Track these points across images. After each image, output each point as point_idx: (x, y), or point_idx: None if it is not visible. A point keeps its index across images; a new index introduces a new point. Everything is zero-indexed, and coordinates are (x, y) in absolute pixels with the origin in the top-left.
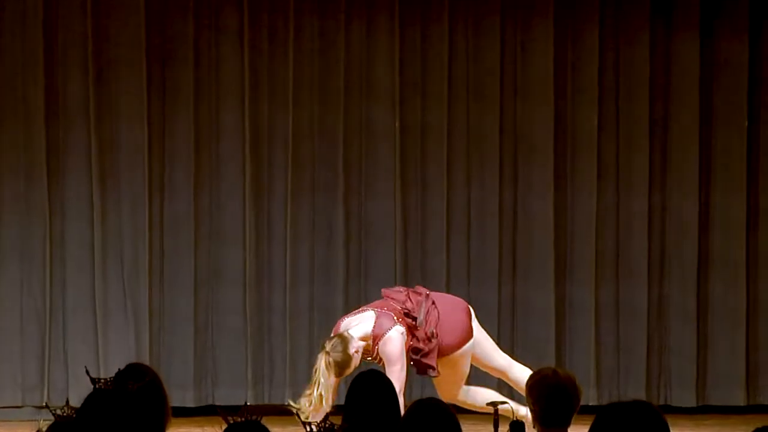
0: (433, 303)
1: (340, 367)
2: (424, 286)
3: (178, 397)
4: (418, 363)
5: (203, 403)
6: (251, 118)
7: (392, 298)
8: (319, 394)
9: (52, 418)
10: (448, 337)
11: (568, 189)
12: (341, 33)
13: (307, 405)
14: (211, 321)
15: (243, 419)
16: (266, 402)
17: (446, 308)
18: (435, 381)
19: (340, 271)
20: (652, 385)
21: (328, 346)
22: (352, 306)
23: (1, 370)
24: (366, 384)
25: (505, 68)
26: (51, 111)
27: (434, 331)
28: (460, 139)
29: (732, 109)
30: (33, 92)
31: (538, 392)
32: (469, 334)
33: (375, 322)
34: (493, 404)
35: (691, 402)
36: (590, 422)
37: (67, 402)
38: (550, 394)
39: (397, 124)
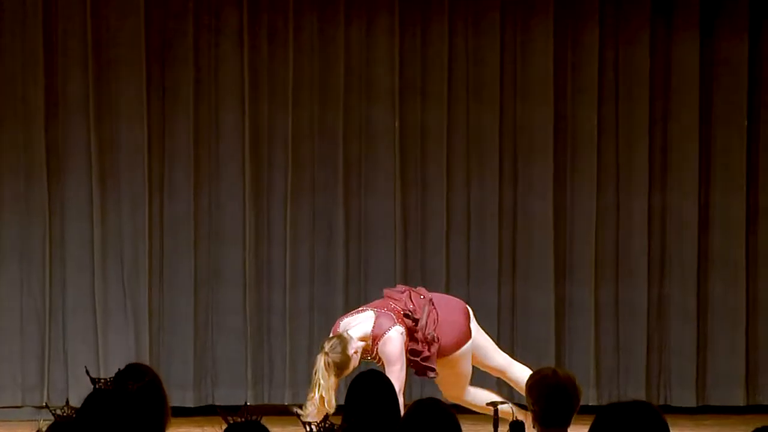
0: (433, 305)
1: (339, 368)
2: (424, 286)
3: (178, 397)
4: (417, 365)
5: (203, 403)
6: (251, 118)
7: (393, 299)
8: (320, 396)
9: (52, 418)
10: (446, 339)
11: (568, 189)
12: (341, 33)
13: (312, 409)
14: (211, 321)
15: (243, 419)
16: (266, 402)
17: (445, 309)
18: (438, 382)
19: (340, 271)
20: (651, 385)
21: (326, 347)
22: (352, 306)
23: (1, 370)
24: (366, 384)
25: (505, 68)
26: (51, 111)
27: (434, 334)
28: (460, 139)
29: (732, 109)
30: (33, 92)
31: (538, 392)
32: (467, 336)
33: (374, 322)
34: (493, 404)
35: (690, 402)
36: (590, 422)
37: (67, 402)
38: (550, 394)
39: (396, 124)
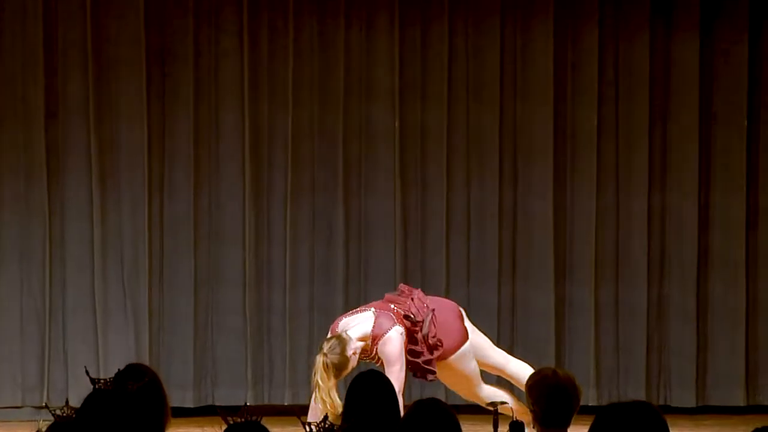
0: (434, 312)
1: (337, 369)
2: (424, 286)
3: (177, 397)
4: (416, 366)
5: (203, 404)
6: (251, 118)
7: (395, 303)
8: (322, 399)
9: (52, 418)
10: (446, 342)
11: (568, 189)
12: (341, 33)
13: (323, 408)
14: (211, 321)
15: (243, 419)
16: (266, 402)
17: (441, 313)
18: (449, 384)
19: (340, 271)
20: (651, 385)
21: (325, 348)
22: (351, 306)
23: (1, 370)
24: (366, 384)
25: (505, 68)
26: (51, 111)
27: (437, 340)
28: (460, 140)
29: (732, 109)
30: (33, 92)
31: (538, 392)
32: (465, 336)
33: (374, 322)
34: (493, 404)
35: (690, 402)
36: (590, 422)
37: (67, 402)
38: (550, 395)
39: (396, 125)
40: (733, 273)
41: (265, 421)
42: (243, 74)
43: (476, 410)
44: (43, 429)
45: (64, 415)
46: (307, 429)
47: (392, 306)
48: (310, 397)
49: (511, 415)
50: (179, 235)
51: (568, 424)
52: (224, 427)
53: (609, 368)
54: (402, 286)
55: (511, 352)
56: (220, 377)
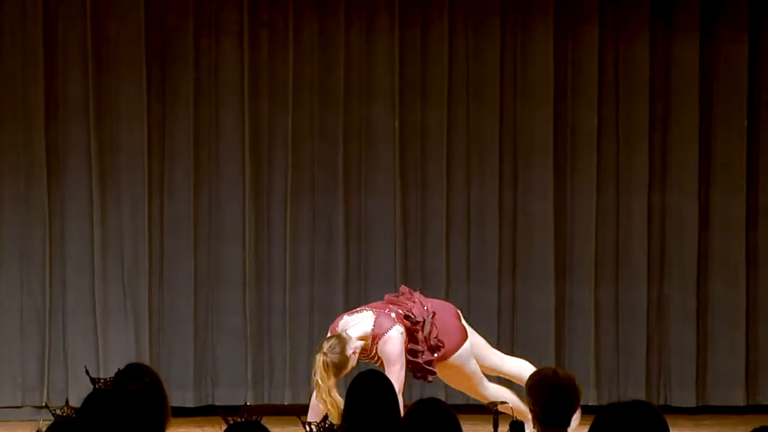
0: (434, 313)
1: (337, 368)
2: (424, 287)
3: (177, 397)
4: (416, 366)
5: (203, 403)
6: (251, 117)
7: (396, 303)
8: (323, 399)
9: (52, 418)
10: (446, 342)
11: (568, 189)
12: (341, 33)
13: (324, 408)
14: (211, 321)
15: (243, 419)
16: (266, 402)
17: (441, 314)
18: (452, 383)
19: (340, 271)
20: (651, 385)
21: (325, 347)
22: (352, 306)
23: (1, 370)
24: (366, 384)
25: (505, 68)
26: (51, 111)
27: (438, 341)
28: (460, 139)
29: (732, 109)
30: (33, 92)
31: (538, 392)
32: (464, 336)
33: (375, 322)
34: (493, 404)
35: (690, 402)
36: (590, 422)
37: (67, 402)
38: (550, 395)
39: (396, 124)
40: (733, 273)
41: (265, 421)
42: (243, 74)
43: (476, 410)
44: (43, 429)
45: (64, 415)
46: (307, 429)
47: (392, 306)
48: (310, 396)
49: (511, 414)
50: (179, 235)
51: (568, 424)
52: (224, 427)
53: (609, 368)
54: (402, 288)
55: (511, 352)
56: (220, 377)
